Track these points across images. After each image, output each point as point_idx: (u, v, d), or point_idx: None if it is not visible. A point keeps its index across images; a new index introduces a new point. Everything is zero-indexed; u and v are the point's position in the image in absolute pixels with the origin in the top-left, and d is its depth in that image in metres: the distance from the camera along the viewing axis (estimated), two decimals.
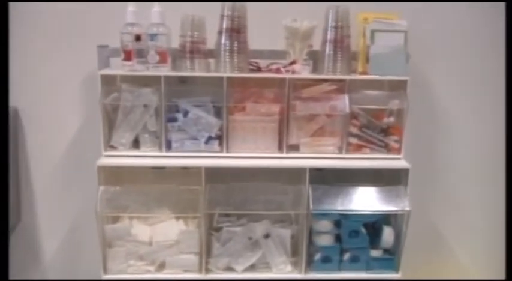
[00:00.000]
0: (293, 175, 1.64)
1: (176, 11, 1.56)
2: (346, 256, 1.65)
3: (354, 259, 1.65)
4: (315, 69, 1.67)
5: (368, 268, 1.65)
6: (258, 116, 1.61)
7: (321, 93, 1.61)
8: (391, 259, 1.65)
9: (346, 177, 1.64)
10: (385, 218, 1.67)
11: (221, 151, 1.63)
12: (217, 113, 1.62)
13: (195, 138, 1.62)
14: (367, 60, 1.61)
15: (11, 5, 1.63)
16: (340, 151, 1.66)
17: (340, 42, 1.58)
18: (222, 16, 1.56)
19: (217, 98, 1.60)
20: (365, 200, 1.62)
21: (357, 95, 1.62)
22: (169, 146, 1.62)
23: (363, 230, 1.65)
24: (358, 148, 1.67)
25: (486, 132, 1.87)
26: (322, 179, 1.61)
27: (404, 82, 1.60)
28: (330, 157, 1.64)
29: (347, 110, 1.60)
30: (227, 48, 1.56)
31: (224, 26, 1.55)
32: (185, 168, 1.62)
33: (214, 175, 1.60)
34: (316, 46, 1.63)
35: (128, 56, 1.55)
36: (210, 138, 1.62)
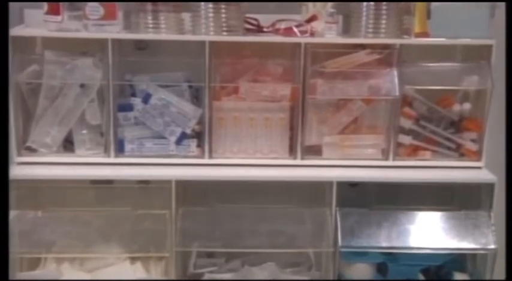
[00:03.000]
0: (312, 192, 1.61)
1: None
2: None
3: None
4: (346, 30, 1.63)
5: None
6: (258, 101, 1.56)
7: (355, 67, 1.56)
8: None
9: (395, 197, 1.61)
10: (457, 261, 1.65)
11: (201, 156, 1.58)
12: (195, 98, 1.58)
13: (161, 137, 1.56)
14: (428, 15, 1.56)
15: None
16: (385, 155, 1.61)
17: None
18: None
19: (194, 74, 1.56)
20: (425, 232, 1.59)
21: (411, 69, 1.57)
22: (120, 149, 1.57)
23: (422, 278, 1.61)
24: (414, 152, 1.61)
25: None
26: (357, 200, 1.59)
27: (488, 48, 1.56)
28: (369, 165, 1.60)
29: (396, 92, 1.54)
30: None
31: None
32: (145, 182, 1.58)
33: (191, 192, 1.60)
34: None
35: (54, 8, 1.50)
36: (184, 137, 1.56)
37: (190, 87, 1.56)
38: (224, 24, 1.51)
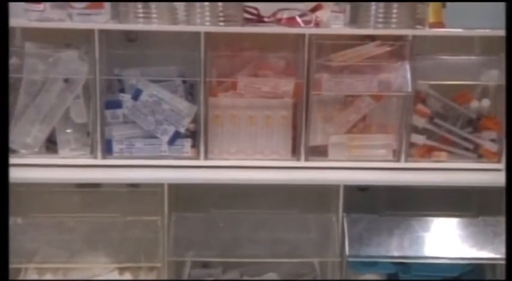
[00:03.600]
0: (317, 197, 1.63)
1: None
2: None
3: None
4: (353, 20, 1.62)
5: None
6: (258, 98, 1.56)
7: (364, 61, 1.55)
8: None
9: (408, 201, 1.60)
10: (475, 272, 1.64)
11: (196, 157, 1.57)
12: (190, 94, 1.58)
13: (152, 136, 1.57)
14: (443, 3, 1.56)
15: None
16: (396, 157, 1.60)
17: None
18: None
19: (189, 68, 1.56)
20: (440, 240, 1.58)
21: (425, 62, 1.57)
22: (108, 150, 1.57)
23: None
24: (428, 152, 1.60)
25: None
26: (366, 205, 1.60)
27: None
28: (379, 167, 1.59)
29: (409, 88, 1.54)
30: None
31: None
32: (135, 186, 1.59)
33: (185, 197, 1.61)
34: None
35: None
36: (177, 136, 1.56)
37: (184, 82, 1.55)
38: (221, 14, 1.51)
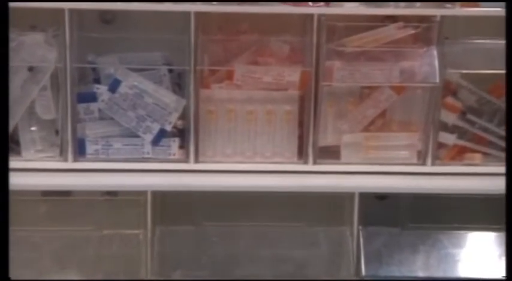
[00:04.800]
0: (328, 207, 1.63)
1: None
2: None
3: None
4: None
5: None
6: (258, 90, 1.53)
7: (383, 46, 1.51)
8: None
9: (435, 212, 1.60)
10: None
11: (185, 160, 1.55)
12: (177, 85, 1.56)
13: (133, 135, 1.54)
14: None
15: None
16: (422, 159, 1.57)
17: None
18: None
19: (176, 54, 1.54)
20: (474, 258, 1.60)
21: (456, 47, 1.53)
22: (80, 151, 1.54)
23: None
24: (459, 154, 1.58)
25: None
26: (385, 217, 1.61)
27: None
28: (401, 171, 1.56)
29: (436, 78, 1.50)
30: None
31: None
32: (112, 194, 1.59)
33: (172, 207, 1.61)
34: None
35: None
36: (162, 135, 1.54)
37: (170, 71, 1.53)
38: None
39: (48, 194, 1.58)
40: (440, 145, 1.54)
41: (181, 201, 1.58)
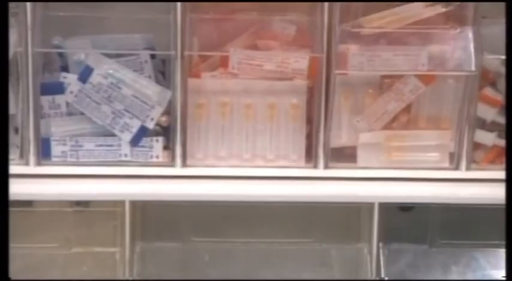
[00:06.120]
0: (342, 220, 1.66)
1: None
2: None
3: None
4: None
5: None
6: (258, 79, 1.50)
7: (408, 27, 1.48)
8: None
9: (471, 227, 1.62)
10: None
11: (170, 164, 1.52)
12: (162, 74, 1.55)
13: (108, 134, 1.52)
14: None
15: None
16: (455, 163, 1.54)
17: None
18: None
19: (160, 37, 1.52)
20: None
21: (495, 29, 1.50)
22: (45, 153, 1.51)
23: None
24: (499, 157, 1.55)
25: None
26: (411, 232, 1.63)
27: None
28: (430, 177, 1.53)
29: (472, 66, 1.47)
30: None
31: None
32: (83, 205, 1.62)
33: (155, 220, 1.64)
34: None
35: None
36: (143, 134, 1.51)
37: (153, 57, 1.50)
38: None
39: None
40: (477, 146, 1.51)
41: (165, 213, 1.59)
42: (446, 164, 1.52)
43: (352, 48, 1.48)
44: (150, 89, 1.49)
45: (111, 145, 1.50)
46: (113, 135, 1.51)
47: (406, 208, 1.62)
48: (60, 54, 1.50)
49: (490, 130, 1.54)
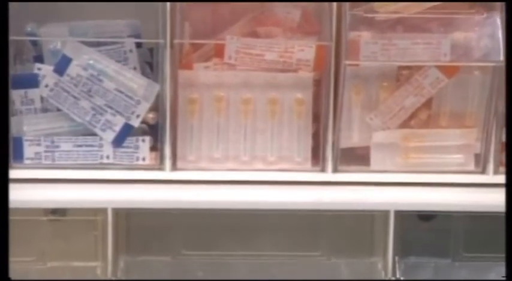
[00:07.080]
0: (354, 230, 1.60)
1: None
2: None
3: None
4: None
5: None
6: (258, 70, 1.50)
7: (427, 11, 1.48)
8: None
9: (499, 238, 1.48)
10: None
11: (158, 167, 1.51)
12: (148, 65, 1.54)
13: (88, 133, 1.51)
14: None
15: None
16: (481, 166, 1.53)
17: None
18: None
19: (147, 24, 1.53)
20: None
21: None
22: (17, 155, 1.51)
23: None
24: None
25: None
26: (432, 244, 1.59)
27: None
28: (453, 182, 1.52)
29: (500, 55, 1.47)
30: None
31: None
32: (60, 213, 1.54)
33: (141, 231, 1.58)
34: None
35: None
36: (127, 132, 1.50)
37: (139, 46, 1.50)
38: None
39: None
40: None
41: (153, 222, 1.56)
42: (472, 167, 1.51)
43: (365, 36, 1.48)
44: (136, 82, 1.47)
45: (91, 146, 1.49)
46: (94, 134, 1.49)
47: (425, 217, 1.58)
48: (34, 43, 1.49)
49: None
